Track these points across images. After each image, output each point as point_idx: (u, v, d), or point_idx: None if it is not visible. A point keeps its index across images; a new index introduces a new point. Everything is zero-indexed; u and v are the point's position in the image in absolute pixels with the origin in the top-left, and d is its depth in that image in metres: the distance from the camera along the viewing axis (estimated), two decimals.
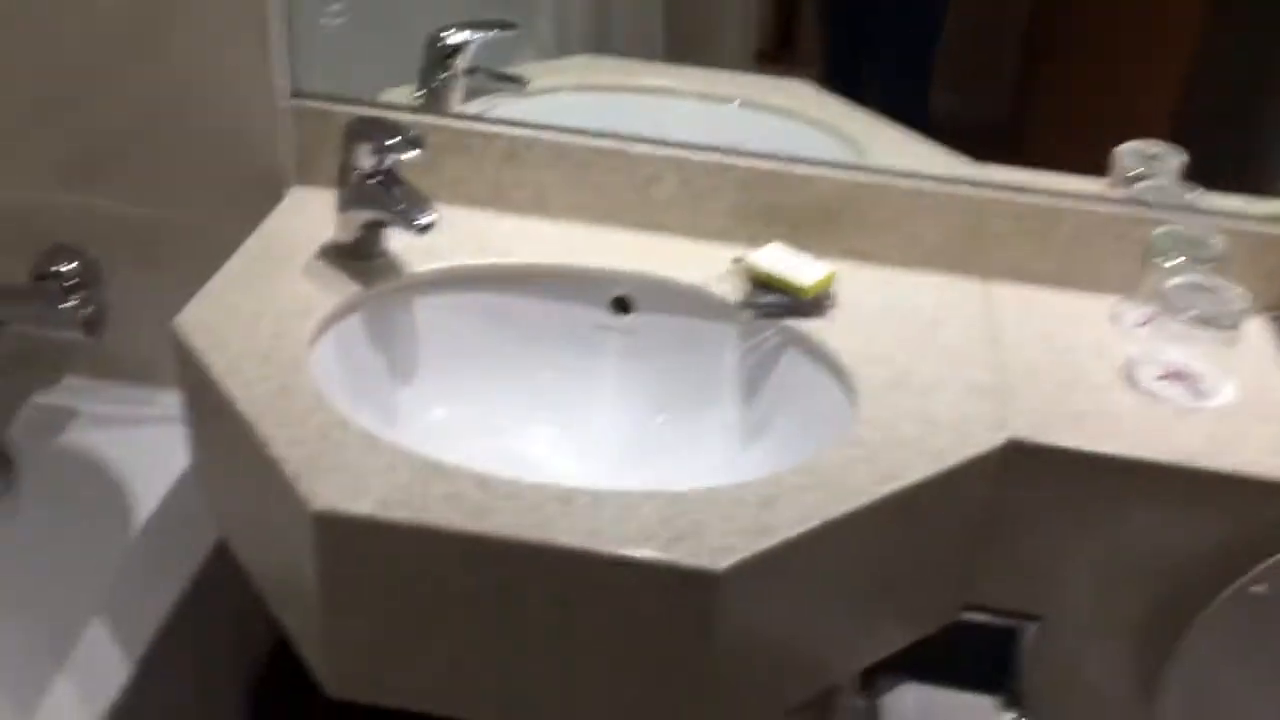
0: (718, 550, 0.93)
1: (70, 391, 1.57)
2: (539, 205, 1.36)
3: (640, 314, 1.29)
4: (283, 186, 1.39)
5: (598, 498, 0.98)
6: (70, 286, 1.47)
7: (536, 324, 1.29)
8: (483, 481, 0.98)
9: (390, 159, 1.20)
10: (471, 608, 0.98)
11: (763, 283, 1.24)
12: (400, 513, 0.94)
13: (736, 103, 1.40)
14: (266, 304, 1.17)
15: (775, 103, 1.38)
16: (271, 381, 1.07)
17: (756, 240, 1.33)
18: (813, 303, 1.22)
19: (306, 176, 1.38)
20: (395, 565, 0.97)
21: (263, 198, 1.38)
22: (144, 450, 1.46)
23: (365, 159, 1.20)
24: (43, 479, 1.52)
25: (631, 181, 1.33)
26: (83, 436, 1.51)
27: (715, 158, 1.32)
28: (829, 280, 1.23)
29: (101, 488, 1.46)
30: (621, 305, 1.29)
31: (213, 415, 1.11)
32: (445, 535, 0.94)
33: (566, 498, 0.97)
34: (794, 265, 1.24)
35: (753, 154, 1.32)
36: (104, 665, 1.19)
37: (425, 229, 1.17)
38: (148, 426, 1.50)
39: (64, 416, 1.54)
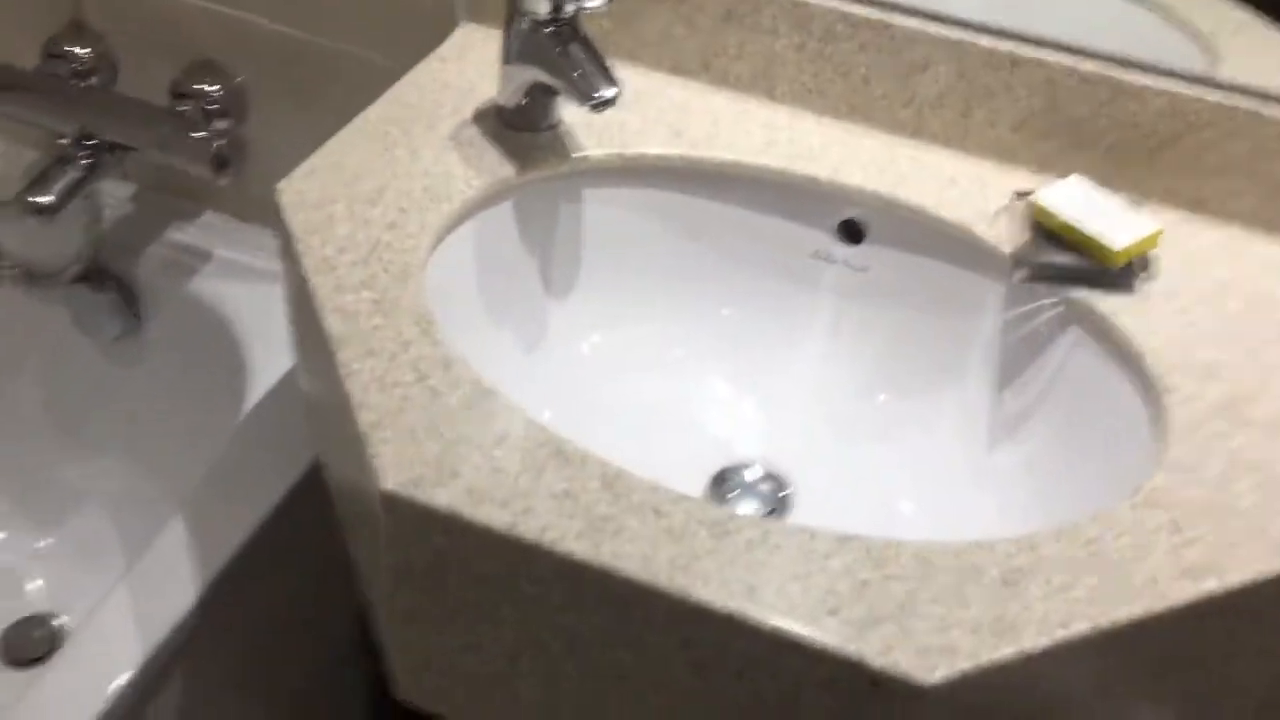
0: (929, 650, 0.63)
1: (208, 230, 1.37)
2: (762, 84, 1.03)
3: (875, 246, 0.96)
4: (453, 22, 1.11)
5: (768, 534, 0.69)
6: (210, 111, 1.26)
7: (737, 241, 0.99)
8: (614, 480, 0.71)
9: (572, 4, 0.90)
10: (572, 647, 0.72)
11: (1052, 232, 0.89)
12: (493, 513, 0.68)
13: None
14: (393, 177, 0.91)
15: None
16: (373, 288, 0.82)
17: (1049, 167, 0.97)
18: (1121, 272, 0.87)
19: (480, 12, 1.09)
20: (479, 574, 0.71)
21: (432, 33, 1.11)
22: (271, 315, 1.25)
23: (540, 0, 0.90)
24: (167, 323, 1.35)
25: (891, 66, 0.99)
26: (213, 285, 1.32)
27: (1008, 46, 0.96)
28: (1151, 241, 0.88)
29: (222, 349, 1.27)
30: (852, 232, 0.97)
31: (302, 314, 0.87)
32: (546, 555, 0.67)
33: (724, 526, 0.69)
34: (1101, 213, 0.88)
35: (1062, 46, 0.95)
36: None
37: (601, 106, 0.87)
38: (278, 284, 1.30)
39: (198, 259, 1.34)
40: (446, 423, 0.73)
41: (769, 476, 0.95)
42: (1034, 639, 0.64)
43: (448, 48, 1.07)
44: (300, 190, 0.90)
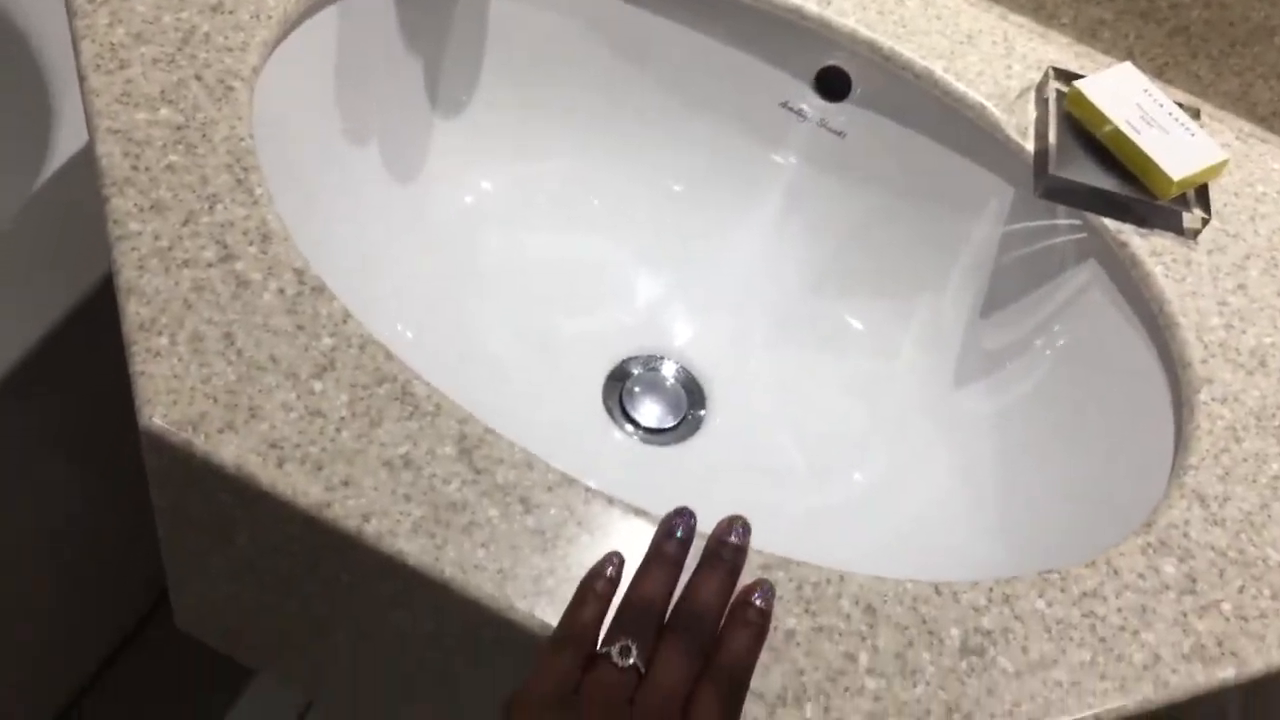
0: None
1: None
2: None
3: (859, 108, 0.75)
4: None
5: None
6: None
7: (688, 73, 0.76)
8: (476, 444, 0.52)
9: None
10: (402, 645, 0.55)
11: (1090, 136, 0.69)
12: (300, 482, 0.49)
13: None
14: None
15: None
16: (177, 104, 0.59)
17: (1096, 40, 0.76)
18: (1168, 205, 0.67)
19: None
20: (277, 546, 0.53)
21: None
22: None
23: None
24: None
25: None
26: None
27: None
28: (1214, 172, 0.68)
29: (21, 77, 1.00)
30: (833, 85, 0.75)
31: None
32: (369, 552, 0.49)
33: (609, 530, 0.51)
34: (1157, 123, 0.68)
35: None
36: None
37: None
38: None
39: None
40: (251, 333, 0.53)
41: (682, 379, 0.77)
42: None
43: None
44: None
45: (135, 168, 0.56)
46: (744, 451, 0.74)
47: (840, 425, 0.74)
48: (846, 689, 0.48)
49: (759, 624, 0.46)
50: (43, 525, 0.94)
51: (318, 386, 0.52)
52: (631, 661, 0.45)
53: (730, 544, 0.47)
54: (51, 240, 0.85)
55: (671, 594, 0.47)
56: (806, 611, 0.50)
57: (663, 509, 0.52)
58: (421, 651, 0.54)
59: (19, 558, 0.93)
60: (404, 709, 0.60)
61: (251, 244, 0.55)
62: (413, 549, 0.48)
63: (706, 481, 0.72)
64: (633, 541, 0.50)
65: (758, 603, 0.46)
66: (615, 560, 0.47)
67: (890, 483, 0.70)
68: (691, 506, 0.48)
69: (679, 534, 0.47)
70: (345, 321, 0.54)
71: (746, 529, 0.48)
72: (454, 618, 0.50)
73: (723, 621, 0.46)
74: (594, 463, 0.72)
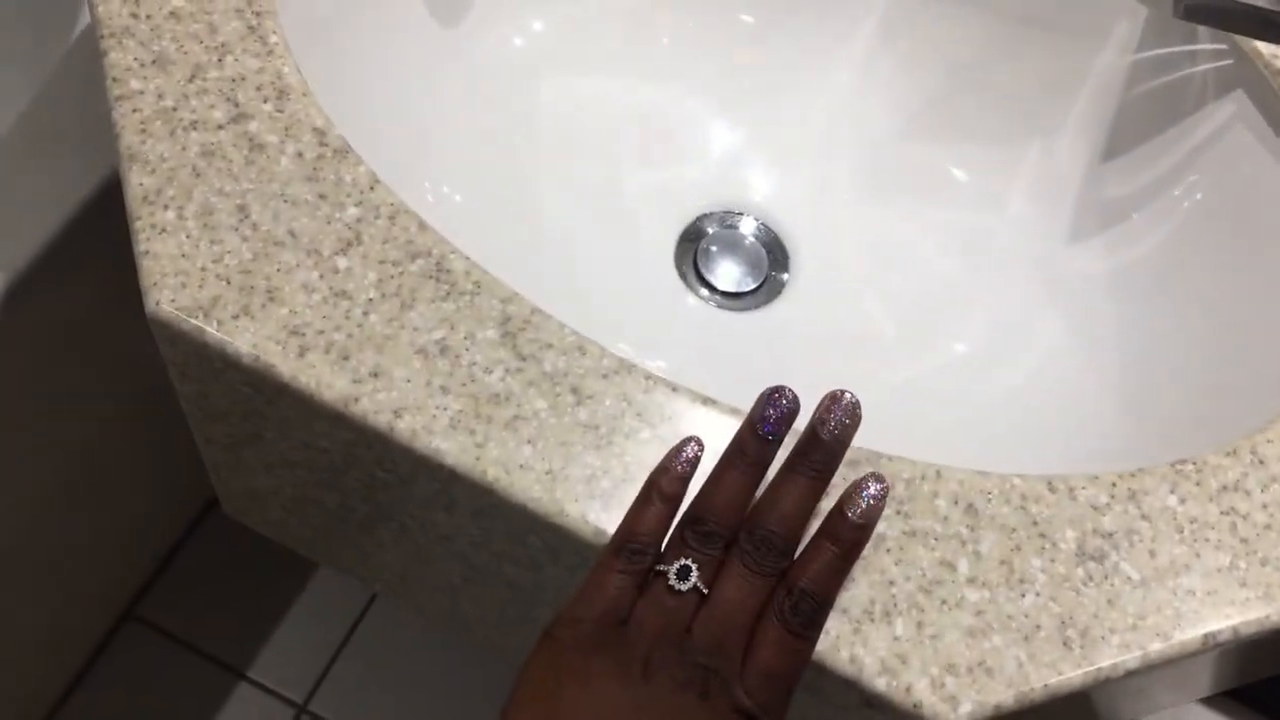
0: (957, 669, 0.42)
1: None
2: None
3: None
4: None
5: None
6: None
7: None
8: (523, 324, 0.46)
9: None
10: (448, 545, 0.50)
11: None
12: (325, 374, 0.44)
13: None
14: None
15: None
16: None
17: None
18: None
19: None
20: (306, 442, 0.48)
21: None
22: None
23: None
24: None
25: None
26: None
27: None
28: None
29: None
30: None
31: None
32: (403, 450, 0.44)
33: (682, 418, 0.45)
34: None
35: None
36: None
37: None
38: None
39: None
40: (268, 204, 0.47)
41: (763, 237, 0.69)
42: (1117, 657, 0.43)
43: None
44: None
45: (135, 15, 0.50)
46: (830, 318, 0.67)
47: (938, 288, 0.67)
48: (943, 601, 0.42)
49: (850, 541, 0.39)
50: (98, 410, 0.90)
51: (342, 264, 0.46)
52: (691, 584, 0.39)
53: (825, 437, 0.40)
54: (73, 122, 0.79)
55: (747, 502, 0.41)
56: (898, 513, 0.44)
57: (738, 388, 0.45)
58: (470, 555, 0.50)
59: (89, 445, 0.89)
60: (465, 607, 0.56)
61: (266, 101, 0.49)
62: (450, 447, 0.43)
63: (788, 352, 0.65)
64: (707, 434, 0.44)
65: (853, 515, 0.39)
66: (689, 453, 0.41)
67: (994, 355, 0.63)
68: (780, 383, 0.41)
69: (769, 426, 0.41)
70: (373, 188, 0.47)
71: (851, 414, 0.41)
72: (499, 522, 0.45)
73: (809, 535, 0.40)
74: (665, 333, 0.66)
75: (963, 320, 0.65)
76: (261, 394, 0.45)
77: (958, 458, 0.47)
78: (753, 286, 0.68)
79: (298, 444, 0.48)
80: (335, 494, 0.51)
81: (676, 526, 0.40)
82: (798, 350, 0.65)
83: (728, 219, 0.70)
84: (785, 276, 0.69)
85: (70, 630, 1.09)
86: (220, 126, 0.48)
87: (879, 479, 0.40)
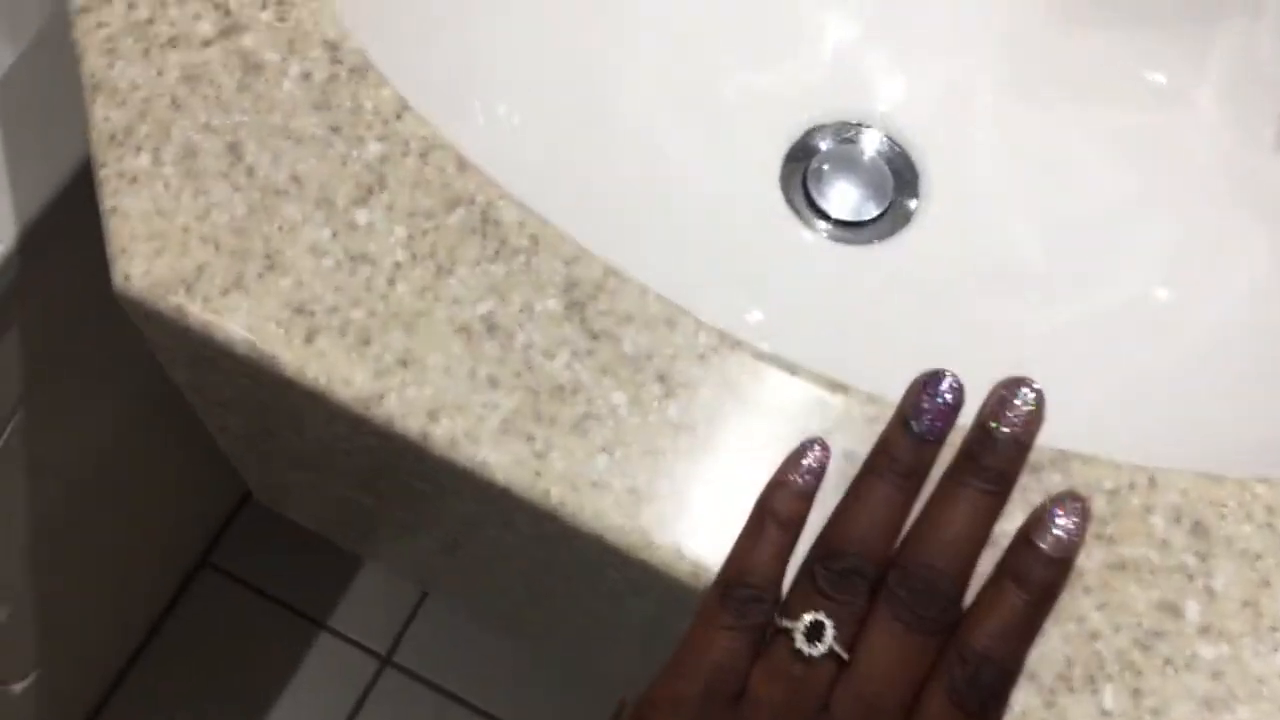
0: None
1: None
2: None
3: None
4: None
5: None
6: None
7: None
8: (595, 291, 0.35)
9: None
10: (485, 553, 0.41)
11: None
12: (340, 366, 0.34)
13: None
14: None
15: None
16: None
17: None
18: None
19: None
20: (319, 439, 0.38)
21: None
22: None
23: None
24: None
25: None
26: None
27: None
28: None
29: None
30: None
31: None
32: (440, 462, 0.34)
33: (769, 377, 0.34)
34: None
35: None
36: None
37: None
38: None
39: None
40: (266, 142, 0.36)
41: (887, 154, 0.57)
42: None
43: None
44: None
45: None
46: (972, 251, 0.55)
47: (1108, 210, 0.54)
48: (1167, 661, 0.32)
49: (1043, 584, 0.29)
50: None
51: (362, 217, 0.36)
52: (826, 646, 0.29)
53: (1001, 437, 0.29)
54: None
55: (899, 528, 0.30)
56: (1099, 538, 0.33)
57: (855, 348, 0.35)
58: (534, 576, 0.40)
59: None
60: (535, 625, 0.47)
61: (265, 7, 0.38)
62: (502, 459, 0.33)
63: (917, 295, 0.54)
64: (837, 434, 0.33)
65: (1046, 547, 0.29)
66: (811, 460, 0.30)
67: (1183, 295, 0.50)
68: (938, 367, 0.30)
69: (928, 423, 0.30)
70: (399, 117, 0.37)
71: (1035, 408, 0.30)
72: (564, 552, 0.35)
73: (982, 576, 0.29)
74: (768, 276, 0.54)
75: (1142, 250, 0.53)
76: (264, 387, 0.35)
77: (1154, 444, 0.35)
78: (875, 213, 0.57)
79: (316, 445, 0.39)
80: (371, 497, 0.42)
81: (803, 565, 0.30)
82: (928, 292, 0.54)
83: (844, 132, 0.58)
84: (914, 202, 0.57)
85: (145, 576, 1.04)
86: (207, 43, 0.38)
87: (1075, 497, 0.29)
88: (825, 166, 0.57)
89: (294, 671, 1.08)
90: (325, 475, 0.42)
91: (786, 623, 0.29)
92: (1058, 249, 0.54)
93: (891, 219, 0.57)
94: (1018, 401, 0.30)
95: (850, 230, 0.56)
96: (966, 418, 0.29)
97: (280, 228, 0.35)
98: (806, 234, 0.56)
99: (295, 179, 0.36)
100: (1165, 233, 0.53)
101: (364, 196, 0.36)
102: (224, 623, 1.09)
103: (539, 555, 0.37)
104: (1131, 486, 0.33)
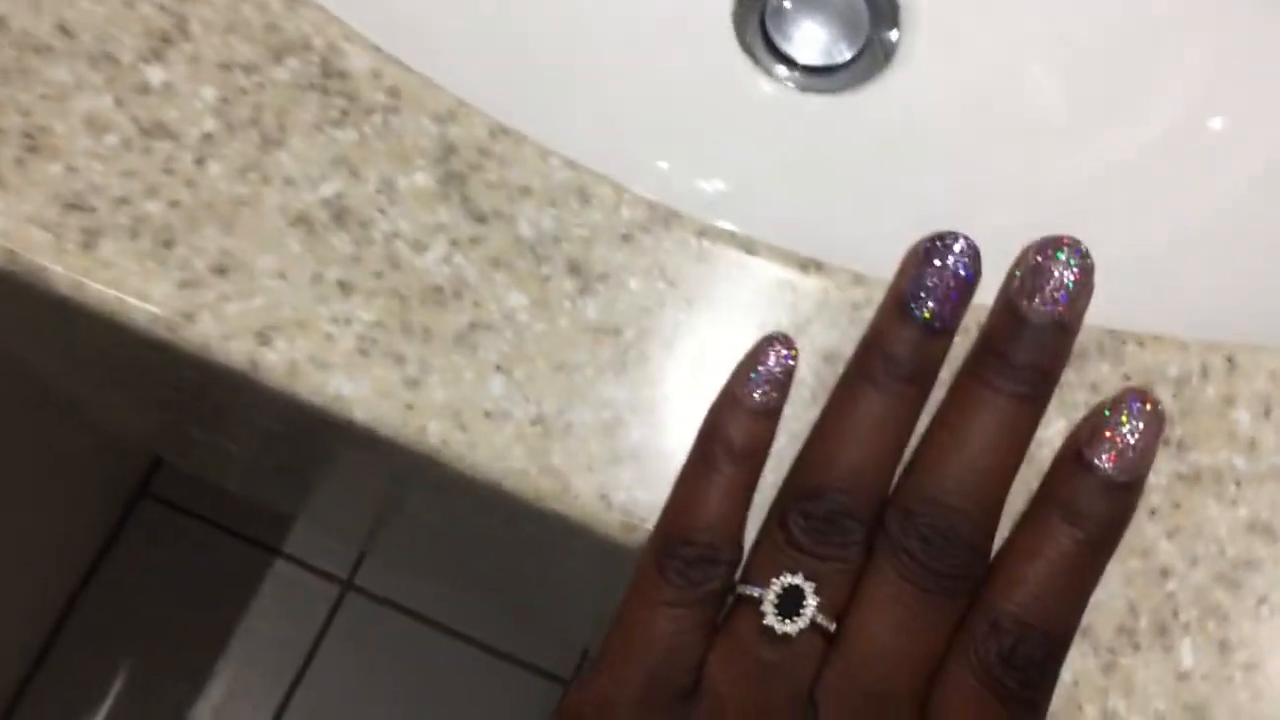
0: None
1: None
2: None
3: None
4: None
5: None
6: None
7: None
8: (458, 155, 0.26)
9: None
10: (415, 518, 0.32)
11: None
12: (127, 289, 0.25)
13: None
14: None
15: None
16: None
17: None
18: None
19: None
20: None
21: None
22: None
23: None
24: None
25: None
26: None
27: None
28: None
29: None
30: None
31: None
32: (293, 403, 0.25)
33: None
34: None
35: None
36: None
37: None
38: None
39: None
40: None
41: None
42: None
43: None
44: None
45: None
46: (970, 91, 0.46)
47: (1131, 29, 0.45)
48: (1262, 600, 0.24)
49: (1104, 519, 0.21)
50: None
51: (156, 76, 0.26)
52: (805, 620, 0.21)
53: (1038, 320, 0.21)
54: None
55: (900, 453, 0.22)
56: (1165, 442, 0.25)
57: (833, 223, 0.26)
58: (452, 535, 0.32)
59: None
60: (472, 573, 0.39)
61: None
62: (361, 391, 0.24)
63: (905, 147, 0.45)
64: (811, 328, 0.25)
65: (1105, 465, 0.21)
66: (774, 365, 0.22)
67: (1245, 122, 0.42)
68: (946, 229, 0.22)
69: (935, 305, 0.22)
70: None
71: (1081, 277, 0.21)
72: (464, 502, 0.26)
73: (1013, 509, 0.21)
74: (721, 136, 0.45)
75: (1171, 75, 0.44)
76: (42, 311, 0.27)
77: (1227, 314, 0.27)
78: (849, 55, 0.47)
79: (142, 380, 0.30)
80: (234, 444, 0.33)
81: (771, 511, 0.22)
82: (919, 146, 0.45)
83: None
84: (895, 34, 0.47)
85: (81, 510, 0.97)
86: None
87: (1140, 395, 0.21)
88: (786, 3, 0.48)
89: (250, 603, 1.01)
90: (166, 415, 0.33)
91: (750, 590, 0.21)
92: (1076, 79, 0.45)
93: (869, 59, 0.47)
94: (1056, 270, 0.21)
95: (820, 77, 0.47)
96: (985, 296, 0.21)
97: (43, 96, 0.26)
98: (767, 84, 0.47)
99: (62, 28, 0.26)
100: (1201, 50, 0.44)
101: (158, 48, 0.26)
102: (170, 556, 1.02)
103: (442, 510, 0.29)
104: (1204, 372, 0.25)
